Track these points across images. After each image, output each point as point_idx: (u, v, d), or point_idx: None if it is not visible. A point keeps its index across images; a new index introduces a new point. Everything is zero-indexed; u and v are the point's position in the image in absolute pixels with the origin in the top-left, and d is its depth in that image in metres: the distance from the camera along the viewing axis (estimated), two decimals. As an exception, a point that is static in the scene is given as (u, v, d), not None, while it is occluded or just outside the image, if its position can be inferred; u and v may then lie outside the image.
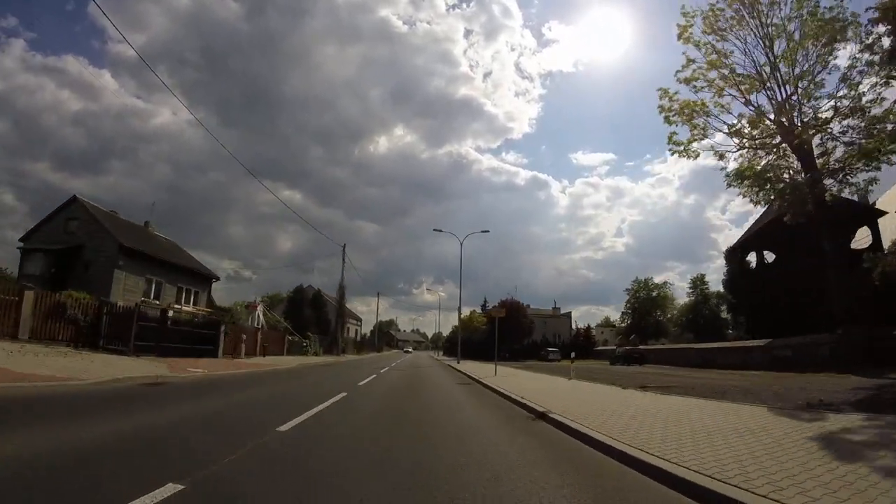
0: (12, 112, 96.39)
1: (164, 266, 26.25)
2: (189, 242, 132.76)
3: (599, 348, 63.41)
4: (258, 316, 30.36)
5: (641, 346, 43.34)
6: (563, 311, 75.77)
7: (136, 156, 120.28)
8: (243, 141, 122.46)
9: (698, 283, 66.86)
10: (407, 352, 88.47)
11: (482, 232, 38.66)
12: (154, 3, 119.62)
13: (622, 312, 64.86)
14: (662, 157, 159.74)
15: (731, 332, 59.75)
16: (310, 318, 46.04)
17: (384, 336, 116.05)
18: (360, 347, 60.08)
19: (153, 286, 25.55)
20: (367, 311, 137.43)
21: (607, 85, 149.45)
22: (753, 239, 32.69)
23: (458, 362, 32.32)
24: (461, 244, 36.60)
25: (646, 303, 59.64)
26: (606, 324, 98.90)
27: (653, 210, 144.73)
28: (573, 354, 16.87)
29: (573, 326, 70.89)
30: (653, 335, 56.76)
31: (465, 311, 60.26)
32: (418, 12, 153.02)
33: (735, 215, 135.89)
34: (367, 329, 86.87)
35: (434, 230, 38.03)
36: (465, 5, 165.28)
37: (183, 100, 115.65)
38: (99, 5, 17.08)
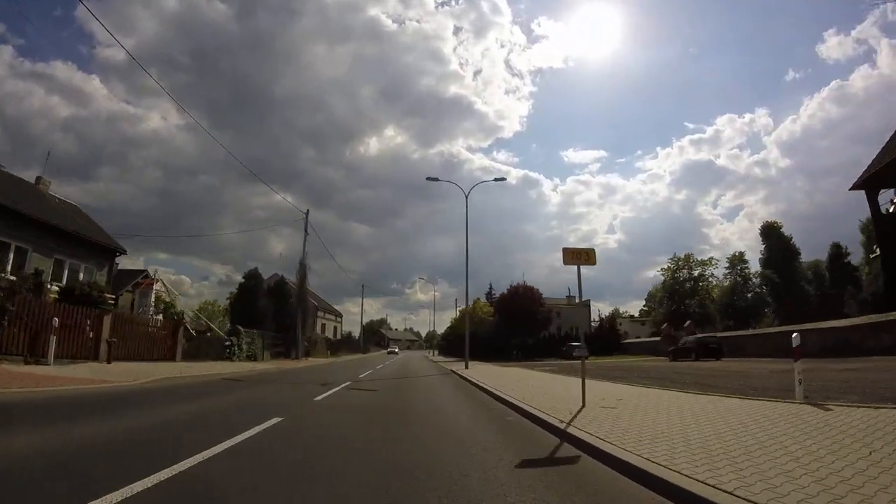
0: (2, 119, 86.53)
1: (36, 228, 17.02)
2: (178, 247, 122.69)
3: (629, 341, 52.96)
4: (151, 301, 19.18)
5: (709, 334, 32.28)
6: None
7: (126, 161, 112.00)
8: (234, 143, 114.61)
9: (737, 262, 57.24)
10: (393, 353, 65.73)
11: (496, 180, 28.39)
12: (142, 7, 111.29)
13: (654, 296, 54.14)
14: (653, 154, 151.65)
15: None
16: (265, 309, 34.74)
17: (374, 335, 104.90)
18: (335, 348, 48.62)
19: (10, 254, 16.24)
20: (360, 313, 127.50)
21: (598, 81, 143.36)
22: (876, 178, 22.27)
23: (467, 367, 21.51)
24: (466, 197, 25.94)
25: (685, 284, 48.92)
26: (617, 315, 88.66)
27: (644, 206, 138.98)
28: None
29: (596, 317, 59.99)
30: (699, 323, 46.36)
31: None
32: (407, 10, 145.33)
33: (726, 210, 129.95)
34: (356, 329, 76.10)
35: (428, 179, 27.11)
36: (454, 2, 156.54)
37: (174, 99, 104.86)
38: (88, 7, 10.97)
